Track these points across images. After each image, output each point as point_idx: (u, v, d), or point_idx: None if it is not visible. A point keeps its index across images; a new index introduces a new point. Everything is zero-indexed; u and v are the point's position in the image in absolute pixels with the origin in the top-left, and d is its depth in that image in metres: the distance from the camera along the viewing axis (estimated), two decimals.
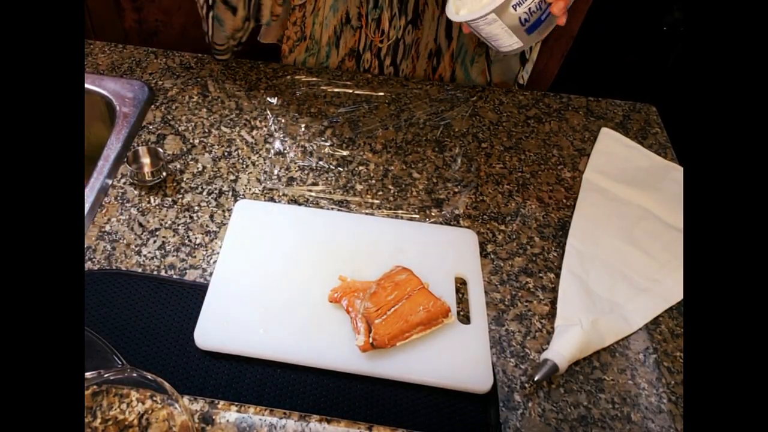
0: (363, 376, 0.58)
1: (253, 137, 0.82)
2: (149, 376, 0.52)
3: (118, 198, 0.73)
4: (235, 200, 0.74)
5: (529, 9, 0.60)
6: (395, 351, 0.58)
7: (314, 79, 0.92)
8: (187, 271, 0.66)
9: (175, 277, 0.65)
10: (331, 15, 0.90)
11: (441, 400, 0.57)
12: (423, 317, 0.59)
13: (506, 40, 0.63)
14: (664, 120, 0.93)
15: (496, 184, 0.80)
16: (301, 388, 0.57)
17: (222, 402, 0.56)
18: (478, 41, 0.94)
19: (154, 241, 0.69)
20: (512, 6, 0.59)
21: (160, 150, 0.76)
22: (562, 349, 0.59)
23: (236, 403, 0.56)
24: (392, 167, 0.80)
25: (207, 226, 0.71)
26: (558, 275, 0.69)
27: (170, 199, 0.73)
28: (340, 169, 0.79)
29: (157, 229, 0.70)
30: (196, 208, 0.73)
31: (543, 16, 0.61)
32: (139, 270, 0.66)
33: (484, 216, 0.75)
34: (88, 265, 0.66)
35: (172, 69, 0.92)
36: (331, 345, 0.59)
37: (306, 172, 0.78)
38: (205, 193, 0.75)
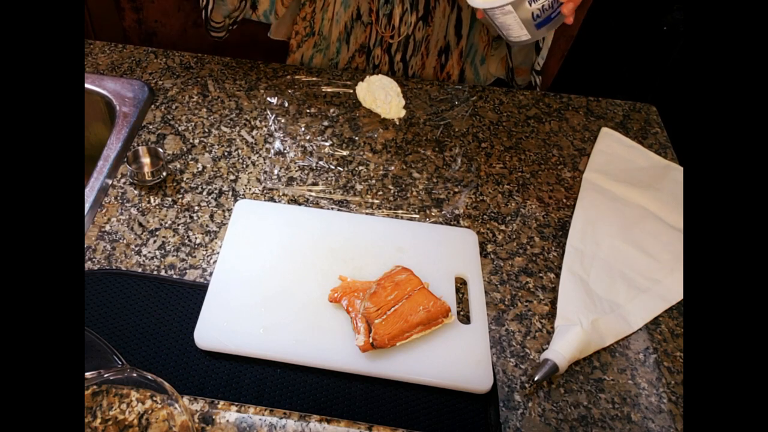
0: (363, 376, 0.58)
1: (253, 137, 0.82)
2: (149, 376, 0.52)
3: (118, 198, 0.73)
4: (235, 200, 0.74)
5: (543, 6, 0.65)
6: (395, 351, 0.58)
7: (314, 79, 0.92)
8: (187, 271, 0.66)
9: (175, 277, 0.65)
10: (342, 11, 0.90)
11: (441, 400, 0.57)
12: (423, 317, 0.59)
13: (517, 31, 0.68)
14: (664, 120, 0.93)
15: (496, 184, 0.80)
16: (301, 388, 0.57)
17: (222, 402, 0.56)
18: (488, 39, 0.95)
19: (154, 241, 0.69)
20: (528, 1, 0.64)
21: (160, 150, 0.76)
22: (562, 349, 0.59)
23: (236, 403, 0.56)
24: (392, 167, 0.80)
25: (207, 226, 0.71)
26: (558, 275, 0.69)
27: (170, 199, 0.73)
28: (340, 169, 0.79)
29: (157, 229, 0.70)
30: (196, 208, 0.73)
31: (553, 15, 0.66)
32: (139, 270, 0.66)
33: (484, 216, 0.75)
34: (88, 265, 0.66)
35: (172, 69, 0.92)
36: (331, 345, 0.59)
37: (306, 172, 0.78)
38: (205, 193, 0.75)
